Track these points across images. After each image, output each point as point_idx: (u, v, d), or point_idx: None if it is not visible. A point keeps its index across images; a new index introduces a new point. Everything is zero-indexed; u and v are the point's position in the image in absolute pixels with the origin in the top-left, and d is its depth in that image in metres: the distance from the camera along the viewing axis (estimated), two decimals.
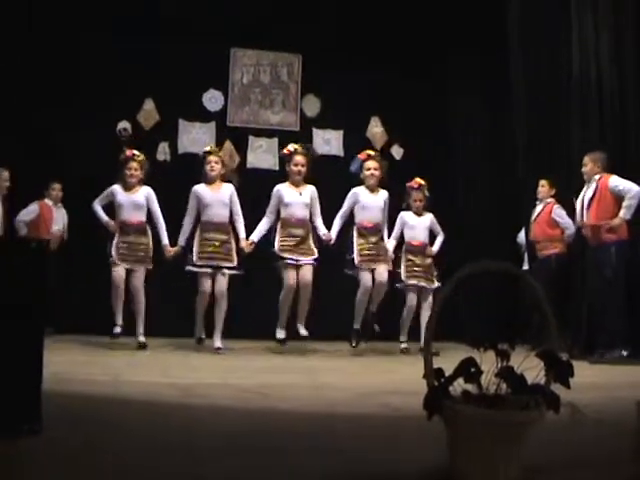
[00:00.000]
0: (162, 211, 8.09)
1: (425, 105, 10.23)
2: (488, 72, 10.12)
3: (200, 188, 7.85)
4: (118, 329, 7.61)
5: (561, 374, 2.37)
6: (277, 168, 9.76)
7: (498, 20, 9.03)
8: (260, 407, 3.93)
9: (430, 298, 8.21)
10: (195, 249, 7.70)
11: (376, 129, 10.71)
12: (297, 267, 7.74)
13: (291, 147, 8.11)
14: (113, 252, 7.68)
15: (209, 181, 7.90)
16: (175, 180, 8.81)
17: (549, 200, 8.60)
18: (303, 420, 3.55)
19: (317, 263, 7.82)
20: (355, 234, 7.94)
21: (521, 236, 9.28)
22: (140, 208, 7.85)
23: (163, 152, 10.06)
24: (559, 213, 8.47)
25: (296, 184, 7.98)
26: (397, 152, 10.67)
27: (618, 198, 7.33)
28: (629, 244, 7.35)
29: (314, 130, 10.55)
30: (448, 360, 2.52)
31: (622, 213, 7.24)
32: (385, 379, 5.78)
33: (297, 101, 10.62)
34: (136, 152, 7.98)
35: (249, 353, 7.67)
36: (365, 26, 9.93)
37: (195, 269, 7.68)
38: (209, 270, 7.67)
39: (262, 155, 10.32)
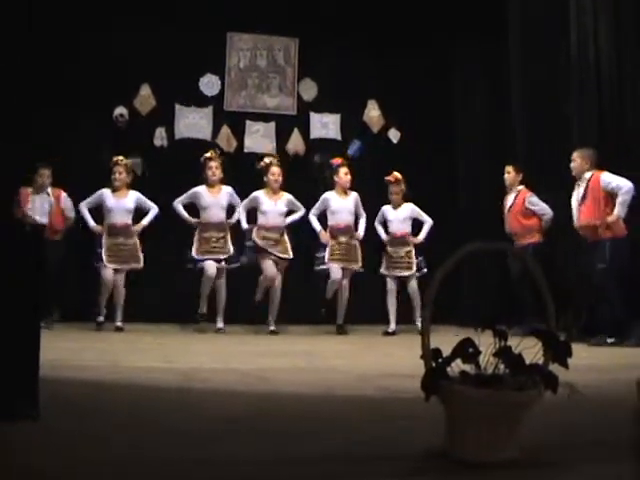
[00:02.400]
0: (160, 196, 8.17)
1: (422, 88, 10.19)
2: (487, 54, 10.08)
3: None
4: (101, 318, 8.12)
5: (559, 354, 2.37)
6: (274, 152, 9.73)
7: (498, 3, 9.00)
8: (260, 390, 3.94)
9: (413, 283, 8.67)
10: (195, 246, 8.26)
11: (373, 112, 10.68)
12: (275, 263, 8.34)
13: (267, 159, 8.62)
14: (103, 255, 8.15)
15: (210, 184, 8.39)
16: (172, 165, 8.80)
17: (520, 188, 8.59)
18: (303, 403, 3.57)
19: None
20: (328, 235, 8.52)
21: None
22: (128, 212, 8.34)
23: (160, 137, 10.02)
24: (533, 201, 8.47)
25: (273, 192, 8.48)
26: (394, 135, 10.64)
27: (611, 195, 7.29)
28: (626, 241, 7.30)
29: (311, 114, 10.51)
30: (446, 342, 2.52)
31: (617, 210, 7.20)
32: (384, 362, 5.79)
33: (294, 85, 10.58)
34: (121, 157, 8.35)
35: (249, 338, 7.68)
36: (362, 9, 9.87)
37: (198, 257, 8.21)
38: (210, 257, 8.19)
39: (259, 139, 10.28)
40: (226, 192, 8.43)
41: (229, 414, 3.19)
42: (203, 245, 8.27)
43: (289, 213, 8.58)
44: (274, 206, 8.44)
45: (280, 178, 8.47)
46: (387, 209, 8.89)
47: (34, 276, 2.91)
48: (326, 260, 8.40)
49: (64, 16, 9.07)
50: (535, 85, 8.42)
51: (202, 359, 5.66)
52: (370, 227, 8.81)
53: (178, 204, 8.39)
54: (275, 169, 8.48)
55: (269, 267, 8.25)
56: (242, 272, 8.39)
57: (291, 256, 8.40)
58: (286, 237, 8.45)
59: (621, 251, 7.24)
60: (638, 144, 7.60)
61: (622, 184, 7.22)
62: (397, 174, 8.80)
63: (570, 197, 7.65)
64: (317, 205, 8.66)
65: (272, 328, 8.29)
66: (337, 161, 8.79)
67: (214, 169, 8.36)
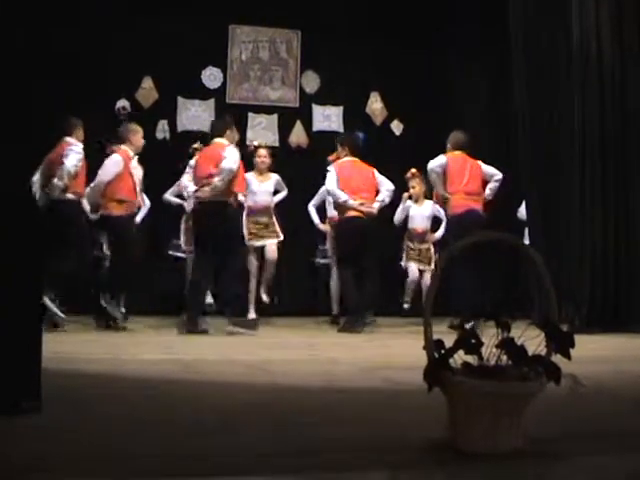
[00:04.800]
0: (161, 189, 8.18)
1: (425, 81, 10.19)
2: (489, 46, 10.05)
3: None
4: None
5: (562, 345, 2.36)
6: (277, 144, 9.73)
7: None
8: (263, 382, 3.94)
9: (428, 277, 8.84)
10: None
11: (376, 105, 10.67)
12: (261, 248, 8.55)
13: (255, 142, 9.02)
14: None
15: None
16: (174, 158, 8.79)
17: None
18: (304, 394, 3.56)
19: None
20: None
21: (521, 211, 9.24)
22: None
23: (162, 130, 10.04)
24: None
25: (260, 173, 8.72)
26: (397, 127, 10.63)
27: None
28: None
29: (314, 106, 10.52)
30: (449, 333, 2.51)
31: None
32: (387, 354, 5.80)
33: (296, 77, 10.58)
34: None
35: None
36: (364, 1, 9.85)
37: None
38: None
39: (262, 132, 10.30)
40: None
41: (230, 405, 3.19)
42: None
43: (276, 193, 8.82)
44: (262, 186, 8.66)
45: (267, 160, 8.74)
46: (411, 205, 8.98)
47: (36, 267, 2.90)
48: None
49: (65, 9, 9.05)
50: (537, 76, 8.37)
51: (203, 351, 5.67)
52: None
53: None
54: (262, 151, 8.76)
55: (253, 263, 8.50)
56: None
57: (281, 237, 8.56)
58: (274, 219, 8.64)
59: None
60: None
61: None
62: (414, 169, 8.89)
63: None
64: (316, 197, 8.94)
65: (265, 298, 8.46)
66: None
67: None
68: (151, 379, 3.93)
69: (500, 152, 10.07)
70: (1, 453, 2.26)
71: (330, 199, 8.42)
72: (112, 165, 7.49)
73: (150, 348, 5.81)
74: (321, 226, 8.89)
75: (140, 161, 8.00)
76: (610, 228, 7.62)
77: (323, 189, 8.54)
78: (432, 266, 8.85)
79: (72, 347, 5.40)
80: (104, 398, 3.26)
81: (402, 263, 9.15)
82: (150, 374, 4.09)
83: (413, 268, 8.97)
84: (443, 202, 7.98)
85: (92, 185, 7.52)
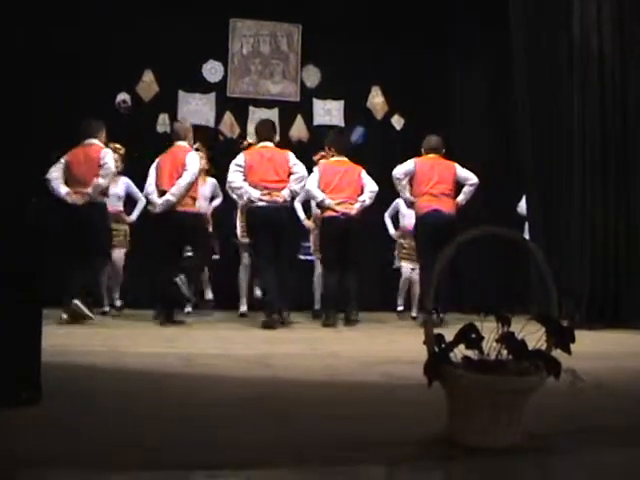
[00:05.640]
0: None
1: (426, 75, 10.16)
2: (489, 41, 10.03)
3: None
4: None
5: (562, 340, 2.36)
6: (277, 139, 9.71)
7: None
8: (262, 376, 3.94)
9: (416, 274, 8.74)
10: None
11: (377, 99, 10.65)
12: None
13: (249, 139, 8.84)
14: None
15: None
16: None
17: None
18: (304, 388, 3.56)
19: None
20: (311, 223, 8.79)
21: (522, 205, 9.23)
22: (119, 199, 8.49)
23: (163, 124, 10.02)
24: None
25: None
26: (398, 122, 10.61)
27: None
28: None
29: (314, 100, 10.50)
30: (450, 329, 2.51)
31: None
32: (387, 348, 5.80)
33: (297, 71, 10.56)
34: (118, 145, 8.33)
35: (250, 323, 7.67)
36: None
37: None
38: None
39: None
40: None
41: (230, 398, 3.19)
42: None
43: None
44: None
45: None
46: (401, 202, 8.87)
47: (35, 259, 2.90)
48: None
49: (66, 4, 9.05)
50: (537, 72, 8.34)
51: (203, 345, 5.67)
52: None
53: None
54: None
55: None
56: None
57: None
58: None
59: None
60: None
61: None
62: None
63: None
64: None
65: (258, 293, 8.50)
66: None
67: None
68: (152, 372, 3.94)
69: (500, 151, 10.09)
70: (1, 444, 2.26)
71: None
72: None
73: (148, 341, 5.81)
74: (306, 222, 8.82)
75: (141, 155, 8.02)
76: (610, 226, 7.62)
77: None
78: None
79: (70, 339, 5.40)
80: (104, 391, 3.27)
81: (395, 263, 9.18)
82: (151, 367, 4.09)
83: (406, 269, 8.98)
84: (410, 205, 8.20)
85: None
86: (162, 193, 7.41)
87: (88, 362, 4.16)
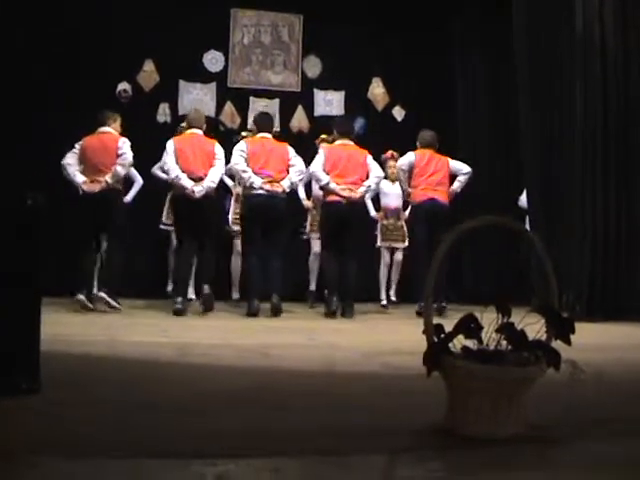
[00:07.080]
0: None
1: (427, 66, 10.13)
2: (491, 31, 10.01)
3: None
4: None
5: (562, 331, 2.35)
6: (278, 129, 9.70)
7: None
8: (261, 366, 3.93)
9: (400, 256, 9.13)
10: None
11: (378, 90, 10.63)
12: None
13: (244, 133, 8.82)
14: None
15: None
16: None
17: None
18: (303, 378, 3.55)
19: None
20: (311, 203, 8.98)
21: (522, 199, 9.23)
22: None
23: (163, 113, 10.01)
24: None
25: None
26: (399, 113, 10.59)
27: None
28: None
29: (315, 91, 10.48)
30: (449, 320, 2.50)
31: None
32: (386, 339, 5.80)
33: (298, 62, 10.54)
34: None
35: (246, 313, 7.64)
36: None
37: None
38: None
39: None
40: None
41: (227, 389, 3.18)
42: None
43: None
44: None
45: None
46: (385, 183, 8.88)
47: (32, 247, 2.89)
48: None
49: None
50: (539, 62, 8.32)
51: (200, 334, 5.66)
52: None
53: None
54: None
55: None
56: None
57: None
58: None
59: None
60: None
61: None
62: (392, 151, 9.03)
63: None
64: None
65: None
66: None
67: None
68: (150, 362, 3.93)
69: (500, 148, 10.09)
70: (1, 434, 2.25)
71: None
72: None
73: (146, 330, 5.80)
74: (305, 202, 8.88)
75: (141, 145, 8.00)
76: (611, 217, 7.61)
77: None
78: (406, 243, 8.95)
79: (68, 329, 5.40)
80: (101, 381, 3.26)
81: (378, 244, 9.19)
82: (146, 356, 4.09)
83: (385, 254, 9.15)
84: (408, 196, 8.44)
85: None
86: (192, 179, 7.44)
87: (86, 351, 4.15)
